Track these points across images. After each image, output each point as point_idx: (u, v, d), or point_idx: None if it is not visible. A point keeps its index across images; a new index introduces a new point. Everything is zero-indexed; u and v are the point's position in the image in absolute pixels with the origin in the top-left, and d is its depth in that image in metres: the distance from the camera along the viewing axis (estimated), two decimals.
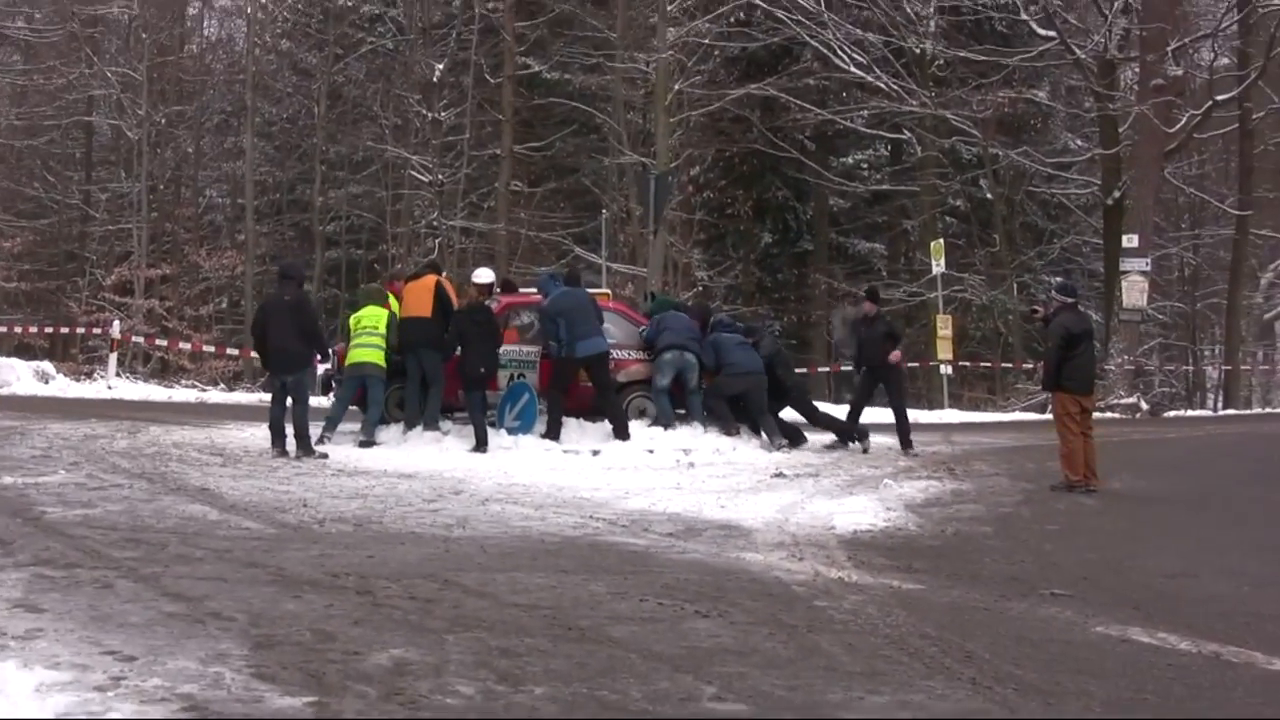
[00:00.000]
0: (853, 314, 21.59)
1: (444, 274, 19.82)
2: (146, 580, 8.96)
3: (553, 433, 18.08)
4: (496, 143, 40.96)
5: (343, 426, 18.47)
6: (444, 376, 18.24)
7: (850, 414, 19.80)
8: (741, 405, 19.15)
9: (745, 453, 17.93)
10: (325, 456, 16.76)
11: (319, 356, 17.79)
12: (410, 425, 18.31)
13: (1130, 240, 31.81)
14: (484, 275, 19.45)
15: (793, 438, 19.07)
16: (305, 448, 16.78)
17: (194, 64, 49.77)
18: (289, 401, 17.09)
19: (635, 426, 18.46)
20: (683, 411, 19.08)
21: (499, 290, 19.95)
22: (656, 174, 28.60)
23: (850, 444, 19.20)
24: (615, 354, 18.86)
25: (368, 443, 17.80)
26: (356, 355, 18.08)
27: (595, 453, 17.29)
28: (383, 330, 18.11)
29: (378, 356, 17.98)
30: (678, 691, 6.71)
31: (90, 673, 6.67)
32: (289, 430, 17.00)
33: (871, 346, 19.40)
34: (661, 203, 27.18)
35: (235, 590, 8.76)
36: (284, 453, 16.82)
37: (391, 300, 18.77)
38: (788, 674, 7.11)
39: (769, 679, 6.98)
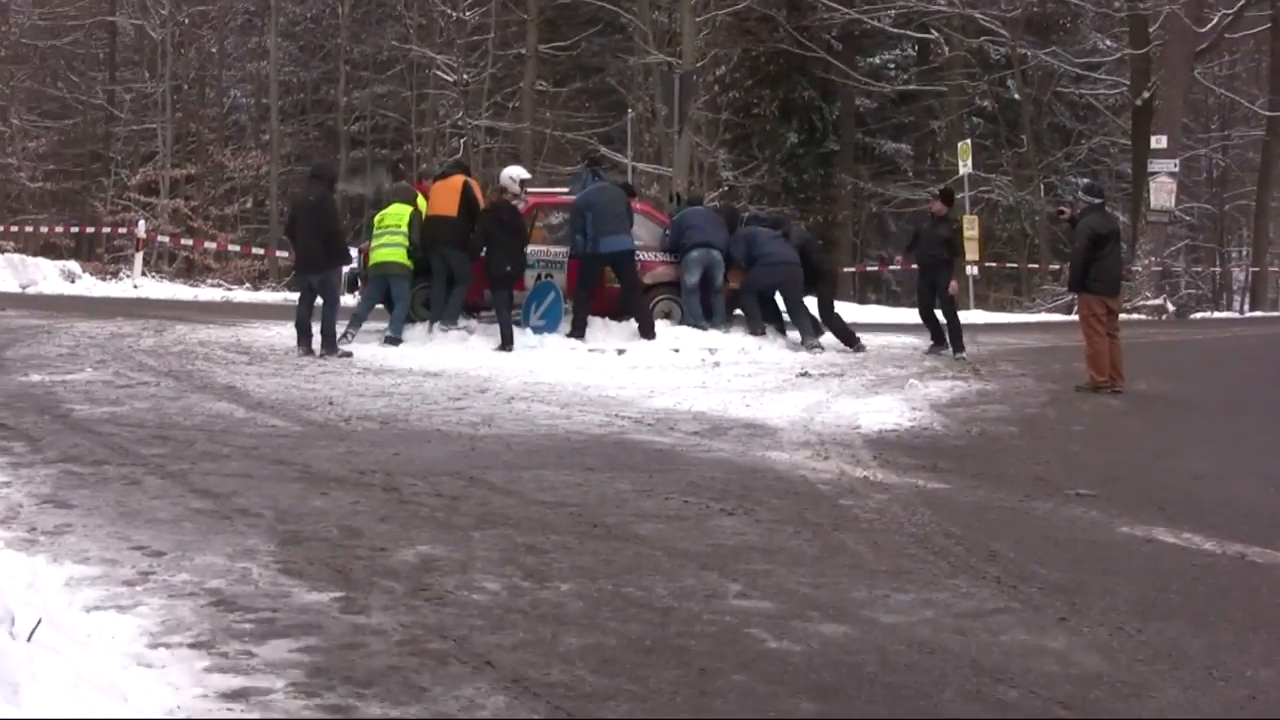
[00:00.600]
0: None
1: (472, 174, 19.66)
2: (174, 477, 8.98)
3: (578, 331, 18.00)
4: (521, 42, 40.73)
5: (368, 325, 18.43)
6: (470, 275, 18.12)
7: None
8: (773, 300, 19.07)
9: (771, 352, 17.89)
10: (349, 355, 16.73)
11: (338, 259, 17.70)
12: (434, 324, 18.22)
13: (1159, 141, 31.61)
14: (518, 173, 19.41)
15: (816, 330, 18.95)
16: (330, 346, 16.75)
17: None
18: (316, 301, 17.10)
19: (660, 326, 18.37)
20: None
21: (522, 191, 19.74)
22: (681, 73, 28.43)
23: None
24: (641, 255, 18.71)
25: (394, 339, 17.71)
26: (379, 255, 17.99)
27: (620, 352, 17.23)
28: (405, 229, 17.96)
29: (400, 255, 17.88)
30: (703, 588, 6.71)
31: (119, 567, 6.70)
32: (315, 329, 17.00)
33: (928, 244, 19.17)
34: (686, 102, 27.04)
35: (262, 487, 8.78)
36: (309, 352, 16.81)
37: (420, 200, 18.68)
38: (813, 572, 7.12)
39: (794, 577, 6.99)
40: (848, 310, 22.37)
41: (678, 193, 23.49)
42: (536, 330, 18.02)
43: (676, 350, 17.42)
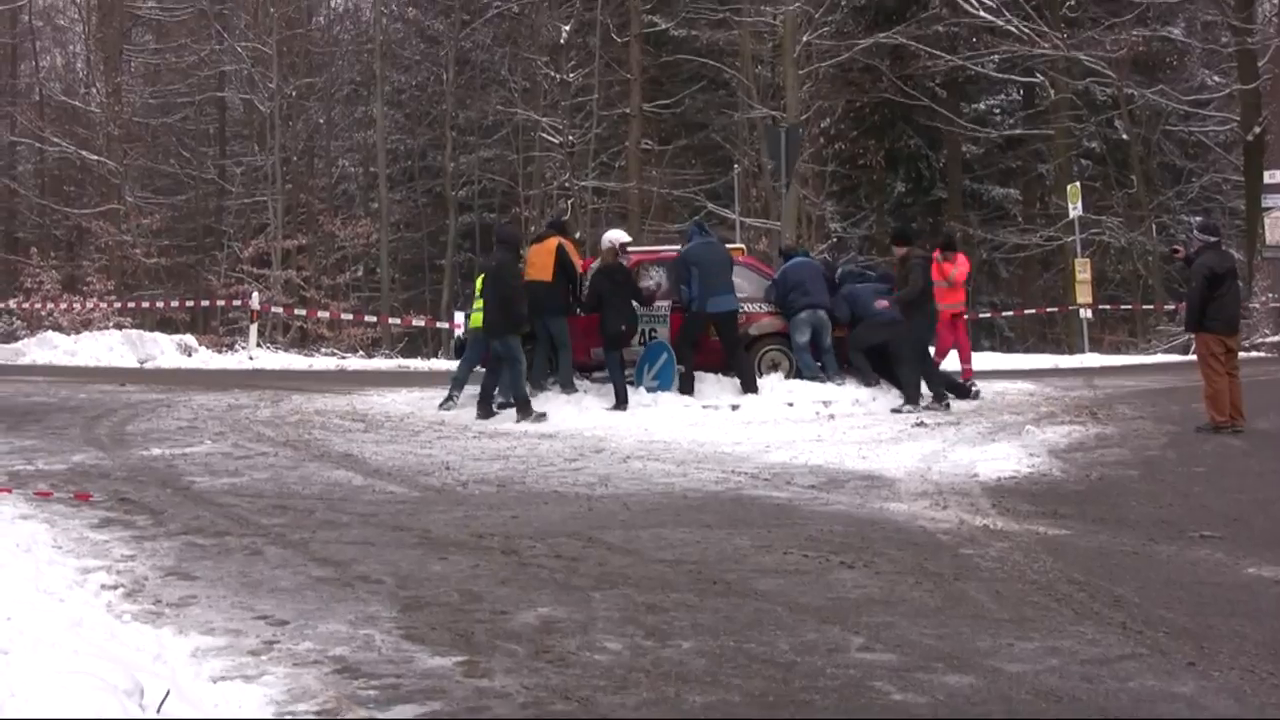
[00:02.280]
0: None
1: (567, 235, 19.56)
2: (295, 546, 9.07)
3: (686, 387, 17.90)
4: (625, 102, 40.95)
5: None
6: (568, 340, 18.03)
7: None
8: (881, 357, 18.92)
9: (885, 403, 17.77)
10: (544, 417, 16.65)
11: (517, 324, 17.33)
12: (538, 387, 17.99)
13: (1272, 176, 31.19)
14: (618, 236, 19.43)
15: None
16: (525, 410, 16.66)
17: (322, 35, 50.34)
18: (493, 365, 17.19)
19: (771, 380, 18.29)
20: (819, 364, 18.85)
21: (623, 253, 19.72)
22: (787, 127, 28.47)
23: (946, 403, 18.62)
24: (745, 308, 18.63)
25: (505, 404, 17.46)
26: (480, 318, 17.85)
27: (735, 407, 17.18)
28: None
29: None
30: (825, 642, 6.69)
31: (244, 637, 6.78)
32: (498, 396, 17.12)
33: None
34: (793, 156, 27.03)
35: (382, 553, 8.85)
36: (487, 415, 16.98)
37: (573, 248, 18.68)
38: (935, 622, 7.07)
39: (917, 628, 6.95)
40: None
41: (785, 247, 23.25)
42: (650, 390, 17.96)
43: (791, 404, 17.34)
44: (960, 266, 19.83)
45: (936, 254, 19.48)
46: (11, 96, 50.14)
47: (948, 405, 17.30)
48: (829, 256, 23.86)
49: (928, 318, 17.78)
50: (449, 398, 17.73)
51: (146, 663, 5.96)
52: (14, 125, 47.97)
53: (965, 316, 20.22)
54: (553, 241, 18.10)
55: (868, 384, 18.34)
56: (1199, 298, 14.88)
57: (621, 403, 17.20)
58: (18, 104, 49.71)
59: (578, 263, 18.59)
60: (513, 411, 17.10)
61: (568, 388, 17.82)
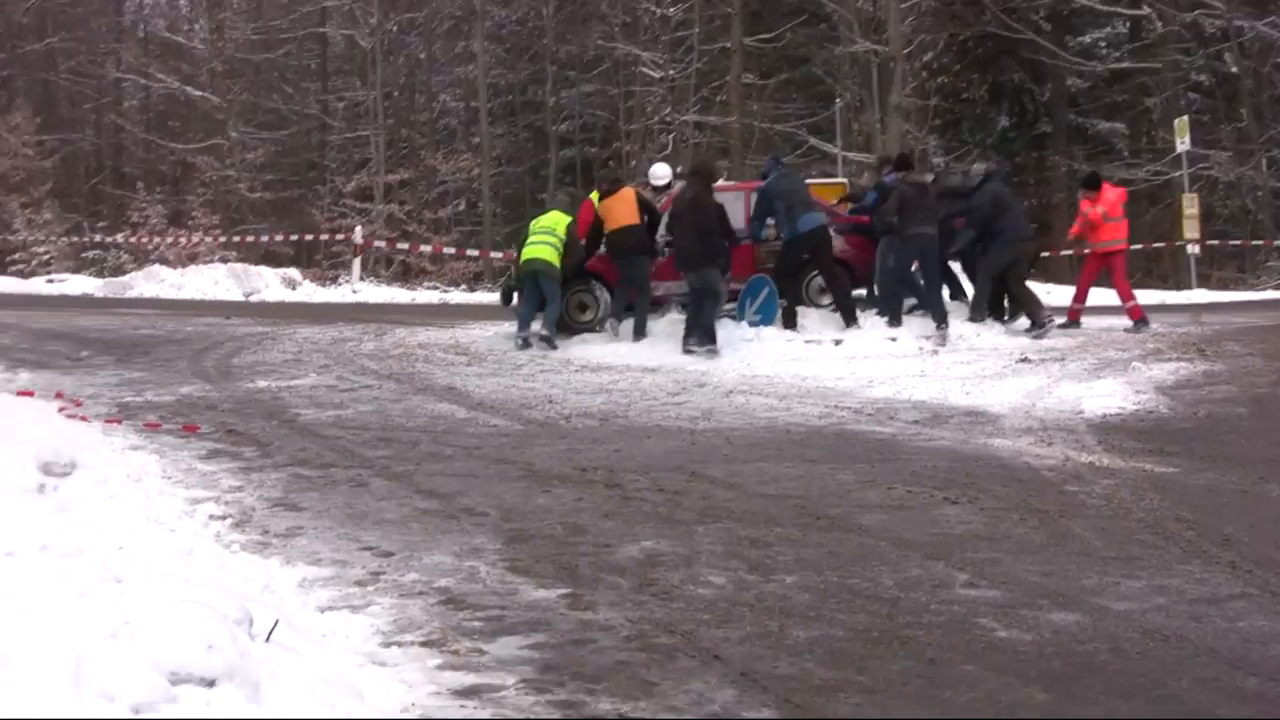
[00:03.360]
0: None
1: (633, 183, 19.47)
2: (400, 478, 9.14)
3: (789, 321, 17.76)
4: (726, 36, 40.72)
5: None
6: (649, 283, 17.94)
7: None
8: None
9: (990, 338, 17.62)
10: (714, 352, 16.37)
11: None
12: (617, 325, 17.88)
13: None
14: (655, 171, 19.62)
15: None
16: (703, 340, 16.47)
17: None
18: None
19: (866, 317, 18.05)
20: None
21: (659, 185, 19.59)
22: (882, 60, 28.37)
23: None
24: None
25: (549, 340, 17.43)
26: (528, 252, 17.72)
27: (837, 342, 17.04)
28: (560, 233, 17.72)
29: (548, 253, 17.58)
30: (929, 578, 6.68)
31: (350, 568, 6.85)
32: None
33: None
34: (890, 89, 26.91)
35: (486, 486, 8.90)
36: (703, 347, 16.60)
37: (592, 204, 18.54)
38: (1040, 560, 7.04)
39: (1021, 565, 6.92)
40: (1067, 292, 21.91)
41: (902, 154, 22.24)
42: (753, 324, 17.81)
43: (894, 339, 17.25)
44: (1104, 204, 19.14)
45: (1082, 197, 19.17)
46: (116, 34, 50.57)
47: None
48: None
49: (910, 244, 17.60)
50: (519, 339, 17.63)
51: (255, 592, 6.02)
52: (120, 62, 48.37)
53: (1115, 254, 19.53)
54: (629, 191, 18.12)
55: (974, 319, 18.07)
56: None
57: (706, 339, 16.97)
58: (123, 41, 50.16)
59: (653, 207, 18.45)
60: (615, 344, 17.17)
61: (640, 334, 17.58)
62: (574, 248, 17.80)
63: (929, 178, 19.56)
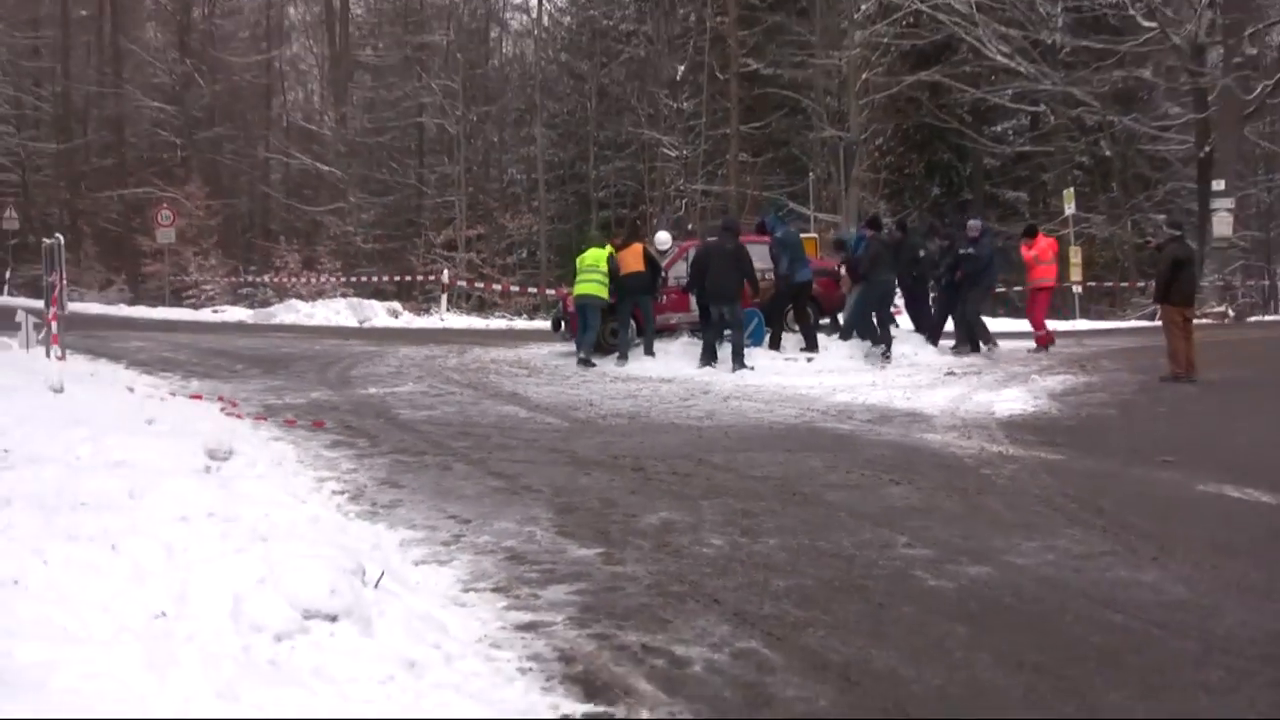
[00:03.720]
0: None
1: (642, 240, 19.10)
2: (476, 463, 9.19)
3: (774, 344, 17.76)
4: (726, 124, 40.67)
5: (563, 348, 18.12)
6: (653, 314, 17.85)
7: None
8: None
9: (926, 356, 17.64)
10: (752, 368, 16.20)
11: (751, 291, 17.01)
12: (623, 352, 17.61)
13: (1218, 184, 31.03)
14: (664, 237, 19.71)
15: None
16: (740, 361, 16.28)
17: (496, 74, 50.31)
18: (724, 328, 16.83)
19: (826, 340, 18.05)
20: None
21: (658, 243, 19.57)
22: (845, 144, 28.37)
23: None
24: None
25: (586, 361, 17.23)
26: (583, 289, 17.55)
27: (810, 359, 17.09)
28: (604, 268, 17.52)
29: (598, 289, 17.43)
30: (878, 540, 6.72)
31: (438, 532, 6.90)
32: (719, 349, 16.68)
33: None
34: (851, 166, 26.97)
35: (541, 470, 8.94)
36: (711, 364, 16.52)
37: (610, 249, 18.43)
38: (962, 526, 7.08)
39: (947, 530, 6.96)
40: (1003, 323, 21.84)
41: (873, 215, 21.95)
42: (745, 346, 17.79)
43: (851, 357, 17.26)
44: (1037, 250, 19.15)
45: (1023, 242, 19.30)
46: (266, 124, 50.72)
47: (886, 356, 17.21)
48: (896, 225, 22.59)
49: (876, 287, 17.46)
50: (583, 360, 17.43)
51: (366, 550, 6.08)
52: (268, 144, 48.52)
53: (1044, 289, 19.50)
54: (639, 246, 18.02)
55: (992, 344, 18.10)
56: (1167, 278, 14.74)
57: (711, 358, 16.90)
58: (271, 129, 50.34)
59: (658, 260, 18.38)
60: (639, 361, 17.17)
61: (649, 351, 17.57)
62: (616, 274, 17.64)
63: (898, 233, 19.32)
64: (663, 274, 18.21)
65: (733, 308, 16.56)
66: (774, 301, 17.92)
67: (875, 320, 17.57)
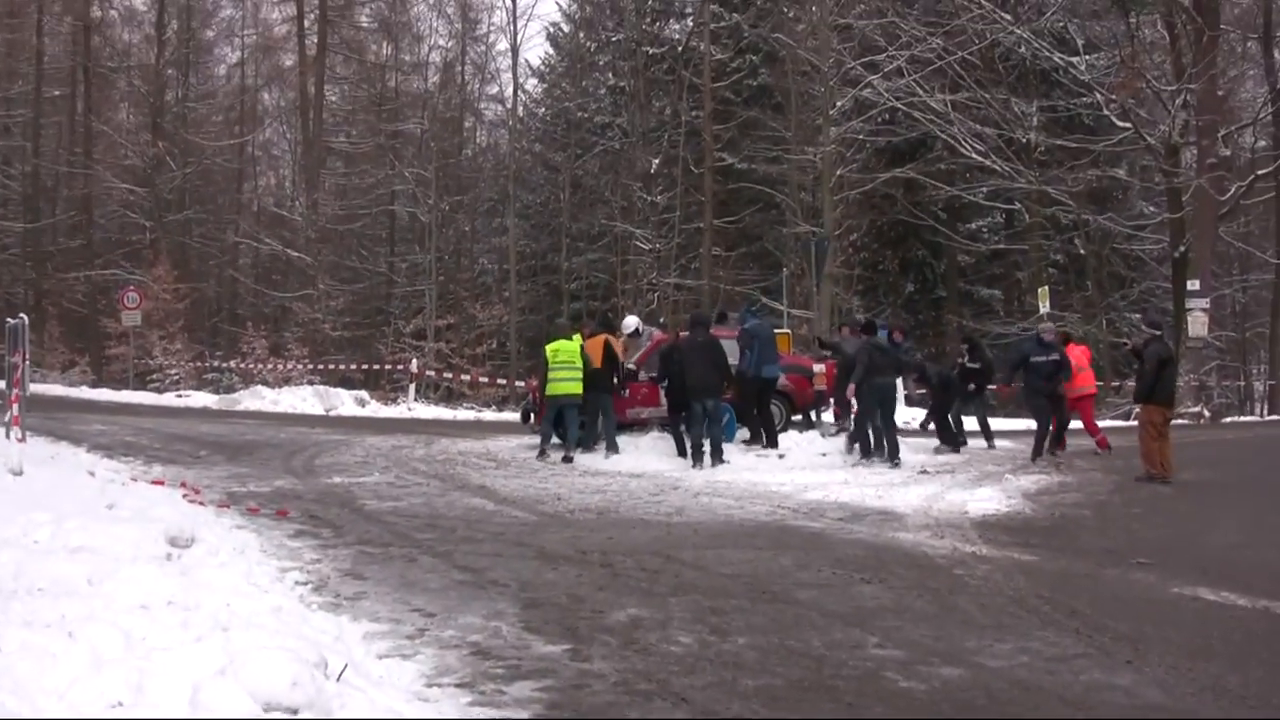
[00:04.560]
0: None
1: (611, 331, 19.18)
2: (441, 555, 9.15)
3: (755, 439, 17.78)
4: (700, 218, 40.99)
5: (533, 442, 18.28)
6: (612, 410, 17.71)
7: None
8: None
9: (904, 454, 17.62)
10: (726, 462, 16.20)
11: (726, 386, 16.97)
12: (587, 446, 17.61)
13: (1193, 284, 31.26)
14: (629, 323, 19.90)
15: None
16: (718, 456, 16.23)
17: (469, 164, 50.74)
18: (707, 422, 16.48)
19: (811, 435, 18.17)
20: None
21: (629, 332, 19.65)
22: (817, 240, 28.62)
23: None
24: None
25: (569, 458, 16.99)
26: (560, 387, 17.34)
27: (781, 455, 17.09)
28: (579, 362, 17.35)
29: (576, 387, 17.28)
30: (849, 641, 6.70)
31: (402, 625, 6.86)
32: (706, 446, 16.37)
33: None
34: (822, 263, 27.18)
35: (508, 563, 8.91)
36: (700, 464, 16.20)
37: (577, 338, 18.49)
38: (934, 626, 7.07)
39: (919, 631, 6.95)
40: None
41: (868, 320, 21.91)
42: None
43: (824, 454, 17.28)
44: (1075, 358, 19.01)
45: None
46: (236, 208, 50.94)
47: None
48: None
49: (874, 392, 16.97)
50: (541, 451, 17.33)
51: (329, 642, 6.04)
52: (238, 229, 48.63)
53: (1089, 397, 19.72)
54: (601, 339, 17.91)
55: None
56: (1152, 378, 14.80)
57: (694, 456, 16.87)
58: (241, 213, 50.52)
59: (621, 354, 18.41)
60: (610, 455, 17.11)
61: (613, 448, 17.35)
62: (589, 364, 17.55)
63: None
64: (622, 368, 18.21)
65: (716, 402, 16.53)
66: (742, 396, 17.90)
67: (871, 427, 16.94)
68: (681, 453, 16.84)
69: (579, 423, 17.57)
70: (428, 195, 43.17)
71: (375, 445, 18.85)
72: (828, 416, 20.27)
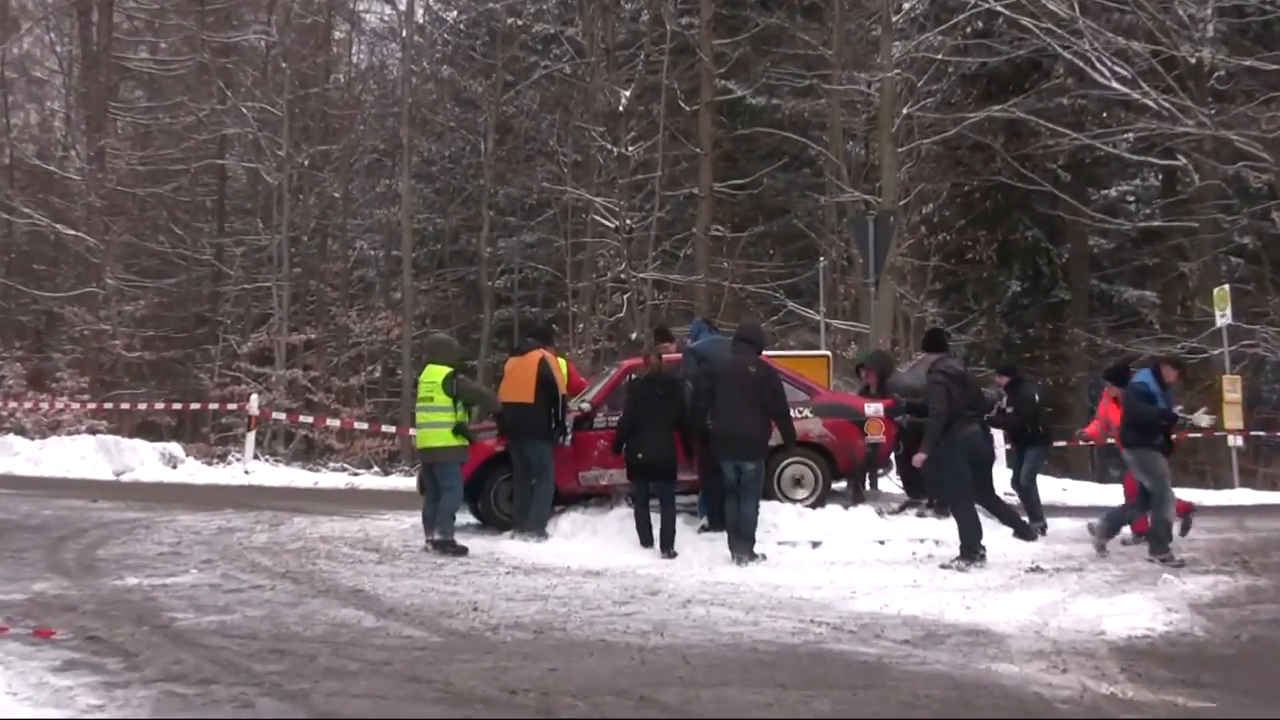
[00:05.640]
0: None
1: (552, 346, 19.17)
2: (293, 698, 9.09)
3: (717, 522, 17.57)
4: (693, 180, 41.06)
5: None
6: (552, 472, 17.82)
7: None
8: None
9: (993, 542, 17.66)
10: (760, 558, 16.22)
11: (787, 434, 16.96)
12: (520, 526, 17.79)
13: None
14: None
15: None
16: (745, 548, 16.27)
17: (341, 96, 50.61)
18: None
19: (861, 512, 18.17)
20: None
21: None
22: (878, 214, 28.49)
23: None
24: None
25: (444, 544, 16.94)
26: (419, 438, 17.56)
27: (815, 544, 17.10)
28: (440, 401, 17.15)
29: (434, 437, 17.20)
30: None
31: None
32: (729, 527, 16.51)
33: None
34: (884, 249, 27.02)
35: (396, 709, 8.86)
36: (744, 556, 16.23)
37: (561, 363, 18.49)
38: None
39: None
40: (1086, 491, 22.01)
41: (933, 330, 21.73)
42: (704, 529, 17.77)
43: (882, 542, 17.27)
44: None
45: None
46: None
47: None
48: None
49: (958, 449, 16.83)
50: (446, 543, 17.04)
51: None
52: None
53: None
54: (534, 355, 17.99)
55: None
56: None
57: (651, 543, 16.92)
58: None
59: (561, 380, 18.37)
60: (548, 542, 17.13)
61: (535, 529, 17.50)
62: (477, 397, 17.63)
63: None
64: (563, 404, 18.16)
65: (759, 468, 16.50)
66: (703, 459, 17.72)
67: (963, 498, 16.72)
68: (646, 541, 16.81)
69: (457, 492, 17.41)
70: (277, 143, 43.15)
71: (192, 527, 18.82)
72: (889, 482, 20.31)
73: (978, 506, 16.89)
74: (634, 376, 17.93)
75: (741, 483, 16.40)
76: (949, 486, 16.97)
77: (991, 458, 17.91)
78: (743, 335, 17.51)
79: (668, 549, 16.67)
